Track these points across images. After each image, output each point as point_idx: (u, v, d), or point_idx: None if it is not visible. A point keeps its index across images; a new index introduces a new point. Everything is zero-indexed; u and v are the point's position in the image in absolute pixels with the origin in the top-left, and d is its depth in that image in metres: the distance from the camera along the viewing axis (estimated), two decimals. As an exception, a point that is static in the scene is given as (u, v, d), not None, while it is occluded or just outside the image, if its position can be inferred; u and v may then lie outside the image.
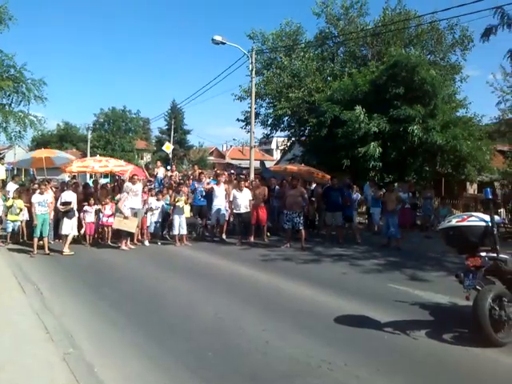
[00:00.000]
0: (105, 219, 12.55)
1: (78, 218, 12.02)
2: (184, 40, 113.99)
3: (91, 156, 46.46)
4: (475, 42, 22.40)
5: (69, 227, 11.39)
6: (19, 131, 22.48)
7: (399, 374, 4.34)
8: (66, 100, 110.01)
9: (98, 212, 12.60)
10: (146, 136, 61.75)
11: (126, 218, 11.92)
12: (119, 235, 12.25)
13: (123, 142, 51.76)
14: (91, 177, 24.21)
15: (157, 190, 14.05)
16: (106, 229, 12.74)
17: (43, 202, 11.16)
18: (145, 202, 12.69)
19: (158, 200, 12.92)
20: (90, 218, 12.40)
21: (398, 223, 12.45)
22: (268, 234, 13.90)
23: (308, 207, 13.68)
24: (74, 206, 11.71)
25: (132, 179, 12.52)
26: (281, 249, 12.03)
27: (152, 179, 15.81)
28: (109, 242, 12.62)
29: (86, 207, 12.39)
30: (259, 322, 5.87)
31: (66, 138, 61.79)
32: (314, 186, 15.65)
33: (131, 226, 11.98)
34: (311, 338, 5.30)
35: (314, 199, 14.59)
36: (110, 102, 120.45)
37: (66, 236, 11.32)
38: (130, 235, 12.19)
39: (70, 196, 11.72)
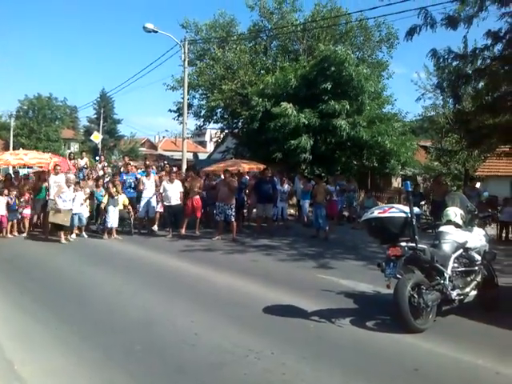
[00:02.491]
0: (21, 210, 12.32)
1: None
2: (115, 26, 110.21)
3: (14, 145, 44.16)
4: (400, 40, 23.38)
5: None
6: None
7: (324, 361, 4.47)
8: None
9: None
10: (73, 125, 59.19)
11: (58, 210, 11.45)
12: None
13: (49, 130, 49.38)
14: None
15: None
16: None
17: None
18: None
19: (75, 191, 12.16)
20: (1, 209, 11.85)
21: (325, 215, 12.76)
22: (201, 226, 13.85)
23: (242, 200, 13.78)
24: None
25: (54, 170, 12.15)
26: (211, 241, 12.02)
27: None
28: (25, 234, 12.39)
29: None
30: (188, 313, 5.83)
31: (-15, 125, 58.10)
32: (246, 177, 15.69)
33: (64, 218, 11.50)
34: (239, 329, 5.34)
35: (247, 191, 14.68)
36: (34, 89, 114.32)
37: None
38: (65, 228, 11.71)
39: None
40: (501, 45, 11.54)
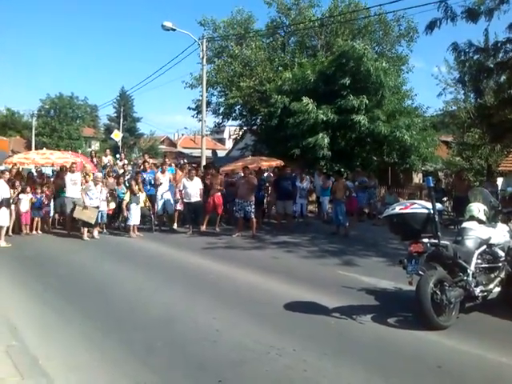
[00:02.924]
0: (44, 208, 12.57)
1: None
2: (133, 25, 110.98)
3: (36, 143, 44.90)
4: (420, 34, 23.07)
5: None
6: None
7: (345, 358, 4.46)
8: (10, 85, 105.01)
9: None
10: (94, 123, 59.97)
11: (85, 207, 11.66)
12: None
13: (70, 129, 50.09)
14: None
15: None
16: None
17: None
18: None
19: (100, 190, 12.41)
20: (24, 207, 12.00)
21: (345, 211, 12.70)
22: (221, 223, 13.93)
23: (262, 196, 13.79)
24: (6, 195, 10.94)
25: (70, 168, 12.36)
26: (231, 237, 12.06)
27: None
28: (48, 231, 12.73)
29: (21, 195, 12.01)
30: (209, 310, 5.86)
31: (9, 125, 59.09)
32: (265, 174, 15.69)
33: (90, 216, 11.68)
34: (261, 325, 5.35)
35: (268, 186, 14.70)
36: (56, 88, 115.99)
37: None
38: (90, 225, 11.92)
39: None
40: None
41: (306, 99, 17.89)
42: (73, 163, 12.91)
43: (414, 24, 23.17)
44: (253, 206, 12.47)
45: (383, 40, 24.27)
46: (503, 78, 13.06)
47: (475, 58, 12.16)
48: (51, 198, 12.93)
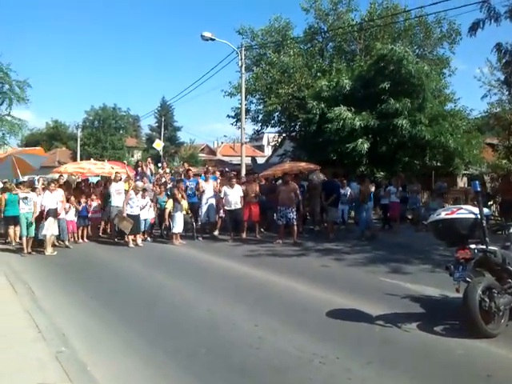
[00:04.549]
0: (89, 215, 12.95)
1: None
2: (173, 37, 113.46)
3: (81, 154, 46.36)
4: (463, 35, 22.50)
5: (45, 228, 11.09)
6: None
7: (390, 366, 4.38)
8: (56, 98, 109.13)
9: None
10: (136, 133, 61.53)
11: (124, 217, 11.97)
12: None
13: (114, 139, 51.52)
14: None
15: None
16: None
17: (27, 201, 11.08)
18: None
19: (143, 197, 12.66)
20: (70, 216, 12.36)
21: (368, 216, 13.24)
22: (261, 229, 13.98)
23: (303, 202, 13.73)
24: (52, 206, 11.35)
25: (115, 178, 12.70)
26: (272, 244, 12.06)
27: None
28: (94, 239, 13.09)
29: (66, 204, 12.36)
30: (251, 317, 5.88)
31: (55, 136, 61.39)
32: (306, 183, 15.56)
33: (129, 225, 11.98)
34: (303, 333, 5.32)
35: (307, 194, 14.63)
36: (99, 100, 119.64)
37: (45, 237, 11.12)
38: (135, 233, 12.27)
39: (47, 197, 11.42)
40: None
41: (338, 109, 17.77)
42: (117, 173, 13.26)
43: (457, 25, 22.65)
44: (295, 213, 12.45)
45: (424, 42, 23.77)
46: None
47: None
48: (101, 206, 13.29)
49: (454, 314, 5.58)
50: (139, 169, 15.67)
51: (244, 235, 12.95)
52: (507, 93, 23.33)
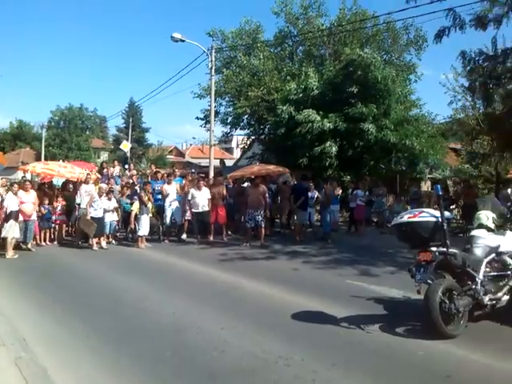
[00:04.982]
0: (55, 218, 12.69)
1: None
2: (142, 37, 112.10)
3: (45, 155, 45.29)
4: (429, 42, 22.95)
5: (5, 230, 10.79)
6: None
7: (354, 367, 4.44)
8: (21, 97, 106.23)
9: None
10: (102, 134, 60.44)
11: (89, 219, 11.78)
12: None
13: (79, 140, 50.54)
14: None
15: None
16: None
17: None
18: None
19: (109, 200, 12.50)
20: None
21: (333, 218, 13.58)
22: (229, 232, 13.98)
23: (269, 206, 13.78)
24: (14, 208, 10.99)
25: (85, 180, 12.51)
26: (239, 247, 12.07)
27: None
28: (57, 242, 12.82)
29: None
30: (217, 320, 5.87)
31: (19, 136, 59.70)
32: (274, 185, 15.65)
33: (92, 227, 11.78)
34: (269, 335, 5.34)
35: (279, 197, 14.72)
36: (66, 100, 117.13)
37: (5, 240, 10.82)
38: (99, 235, 12.08)
39: (9, 198, 11.10)
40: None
41: (307, 111, 17.97)
42: (87, 175, 13.08)
43: (423, 32, 23.13)
44: (263, 215, 12.52)
45: (391, 48, 24.18)
46: (512, 85, 13.03)
47: (484, 65, 12.11)
48: (65, 209, 13.00)
49: (415, 316, 5.70)
50: (105, 170, 15.44)
51: (211, 238, 12.92)
52: (471, 99, 24.04)
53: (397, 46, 23.97)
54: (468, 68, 12.91)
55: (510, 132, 12.56)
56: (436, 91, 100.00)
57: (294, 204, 13.23)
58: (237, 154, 51.18)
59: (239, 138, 37.92)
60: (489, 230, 5.95)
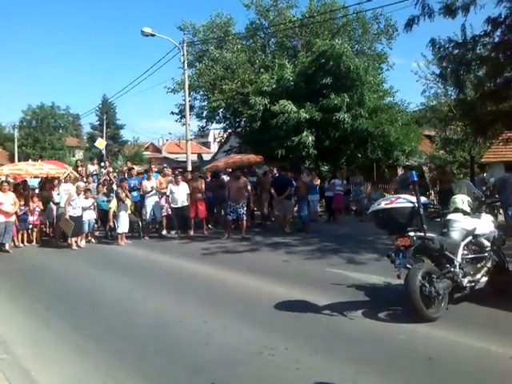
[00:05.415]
0: (31, 218, 12.46)
1: None
2: (112, 32, 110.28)
3: (19, 155, 44.43)
4: (399, 31, 23.12)
5: None
6: None
7: (337, 354, 4.49)
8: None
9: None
10: (77, 133, 59.50)
11: (68, 218, 11.57)
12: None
13: (53, 139, 49.65)
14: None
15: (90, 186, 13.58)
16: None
17: None
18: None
19: (86, 198, 12.29)
20: None
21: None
22: (209, 226, 13.96)
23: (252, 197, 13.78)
24: None
25: (64, 178, 12.33)
26: (221, 240, 12.05)
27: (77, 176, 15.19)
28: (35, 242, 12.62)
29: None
30: (200, 314, 5.85)
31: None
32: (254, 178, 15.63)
33: (73, 225, 11.59)
34: (253, 327, 5.36)
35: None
36: (37, 99, 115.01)
37: None
38: (78, 234, 11.89)
39: None
40: (500, 30, 11.44)
41: (283, 101, 18.00)
42: (69, 173, 12.91)
43: (393, 21, 23.30)
44: (245, 208, 12.54)
45: (362, 38, 24.31)
46: (482, 71, 13.21)
47: (454, 52, 12.25)
48: (42, 209, 12.79)
49: (396, 300, 5.77)
50: (80, 169, 15.23)
51: (191, 232, 12.87)
52: (443, 86, 24.42)
53: (367, 35, 24.10)
54: (438, 56, 13.04)
55: (483, 117, 12.76)
56: (409, 80, 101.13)
57: (279, 196, 13.19)
58: (214, 148, 50.99)
59: (216, 131, 37.76)
60: (465, 213, 6.04)
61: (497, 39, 11.58)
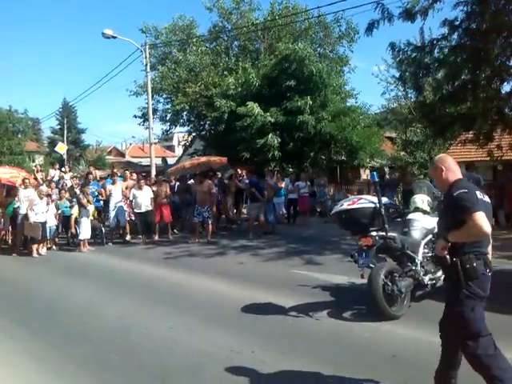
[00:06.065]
0: None
1: None
2: (73, 34, 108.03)
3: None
4: (360, 34, 23.50)
5: None
6: None
7: (304, 355, 4.50)
8: None
9: None
10: (36, 137, 57.89)
11: (31, 223, 11.24)
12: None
13: (11, 144, 48.15)
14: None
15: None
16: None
17: None
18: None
19: (47, 203, 11.90)
20: None
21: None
22: (175, 230, 13.83)
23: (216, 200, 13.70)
24: None
25: (23, 184, 11.93)
26: (187, 244, 11.95)
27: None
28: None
29: None
30: (166, 319, 5.79)
31: None
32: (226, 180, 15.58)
33: (38, 232, 11.27)
34: (218, 330, 5.33)
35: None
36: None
37: None
38: (39, 241, 11.53)
39: None
40: (457, 34, 11.77)
41: (250, 103, 18.04)
42: (25, 178, 12.45)
43: (354, 24, 23.67)
44: (210, 212, 12.48)
45: (324, 41, 24.59)
46: (441, 74, 13.58)
47: (413, 55, 12.52)
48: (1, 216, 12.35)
49: (360, 300, 5.88)
50: (39, 174, 14.84)
51: (156, 237, 12.71)
52: (403, 89, 24.99)
53: (329, 38, 24.39)
54: (398, 59, 13.31)
55: (441, 119, 13.09)
56: (370, 82, 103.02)
57: (263, 197, 13.08)
58: (179, 151, 50.56)
59: (180, 135, 37.48)
60: (424, 212, 6.19)
61: (454, 42, 11.91)
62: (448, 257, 3.26)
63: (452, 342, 3.40)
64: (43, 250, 11.66)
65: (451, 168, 3.38)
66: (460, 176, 3.38)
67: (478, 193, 3.20)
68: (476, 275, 3.15)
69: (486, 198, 3.30)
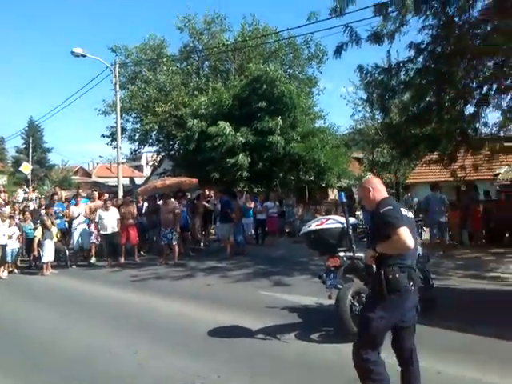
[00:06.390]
0: None
1: None
2: (41, 51, 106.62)
3: None
4: (329, 55, 23.93)
5: None
6: None
7: (271, 378, 4.45)
8: None
9: None
10: (0, 156, 56.53)
11: None
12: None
13: (-26, 163, 46.88)
14: None
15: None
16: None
17: None
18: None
19: (10, 225, 11.59)
20: None
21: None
22: (141, 252, 13.60)
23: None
24: None
25: None
26: (154, 267, 11.74)
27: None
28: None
29: None
30: (130, 344, 5.63)
31: None
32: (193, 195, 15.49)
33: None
34: (185, 354, 5.22)
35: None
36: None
37: None
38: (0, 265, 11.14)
39: None
40: (423, 57, 12.11)
41: (222, 123, 18.08)
42: None
43: (323, 46, 24.11)
44: (174, 233, 12.25)
45: (294, 63, 24.94)
46: (407, 96, 13.92)
47: (380, 78, 12.80)
48: None
49: (328, 321, 5.85)
50: (1, 194, 14.44)
51: (122, 260, 12.46)
52: (370, 110, 25.55)
53: (299, 60, 24.79)
54: (365, 81, 13.58)
55: (407, 140, 13.37)
56: (338, 104, 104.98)
57: (236, 219, 13.11)
58: (147, 171, 50.06)
59: (149, 155, 37.17)
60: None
61: (420, 65, 12.25)
62: (374, 266, 3.47)
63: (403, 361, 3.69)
64: (4, 274, 11.26)
65: (377, 188, 3.65)
66: (386, 195, 3.64)
67: (402, 210, 3.45)
68: (398, 287, 3.35)
69: (410, 215, 3.58)
